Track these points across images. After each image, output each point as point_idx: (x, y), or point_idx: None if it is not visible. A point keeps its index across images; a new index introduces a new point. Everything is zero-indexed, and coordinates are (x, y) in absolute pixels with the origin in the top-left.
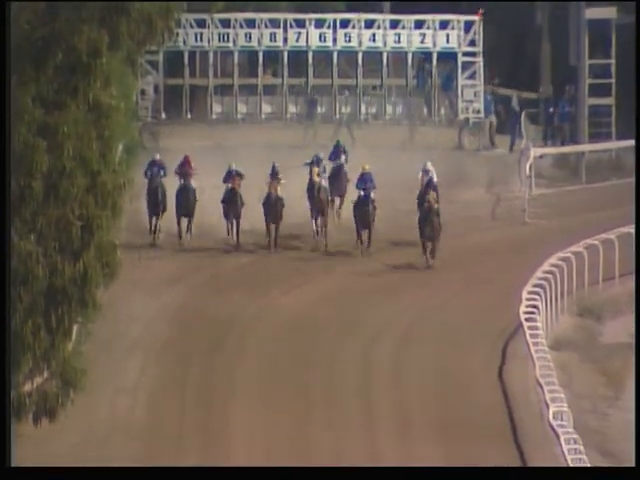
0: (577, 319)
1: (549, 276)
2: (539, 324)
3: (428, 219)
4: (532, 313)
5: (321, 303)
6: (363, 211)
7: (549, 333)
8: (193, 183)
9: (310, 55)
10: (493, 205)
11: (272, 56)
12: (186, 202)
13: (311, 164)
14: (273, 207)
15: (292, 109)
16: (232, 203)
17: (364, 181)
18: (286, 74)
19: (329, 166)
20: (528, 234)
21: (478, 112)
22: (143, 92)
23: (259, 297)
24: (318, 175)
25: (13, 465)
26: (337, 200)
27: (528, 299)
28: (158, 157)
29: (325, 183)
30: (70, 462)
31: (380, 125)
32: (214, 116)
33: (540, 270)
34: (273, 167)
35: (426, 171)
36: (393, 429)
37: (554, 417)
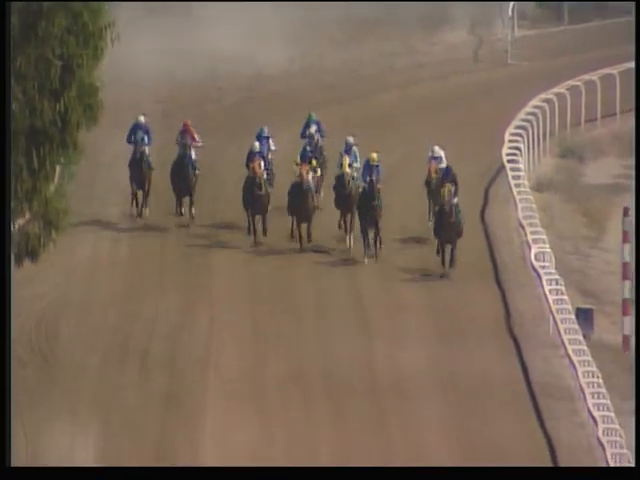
0: (559, 160)
1: (531, 118)
2: (521, 166)
3: (444, 217)
4: (514, 155)
5: None
6: (369, 207)
7: (531, 174)
8: (194, 154)
9: None
10: (475, 47)
11: None
12: (184, 179)
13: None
14: (302, 198)
15: None
16: (252, 194)
17: (370, 172)
18: None
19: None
20: (510, 76)
21: None
22: None
23: None
24: (350, 166)
25: (13, 465)
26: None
27: (510, 141)
28: (143, 119)
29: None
30: (51, 301)
31: None
32: None
33: (522, 112)
34: (304, 149)
35: (435, 158)
36: (371, 270)
37: (536, 258)
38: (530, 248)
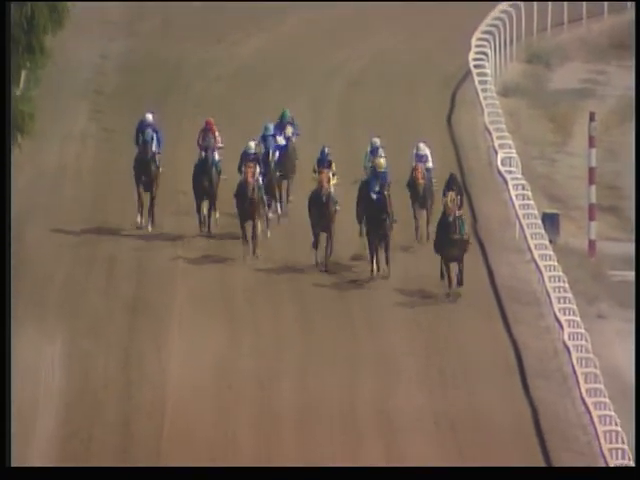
0: (526, 65)
1: (498, 23)
2: (488, 71)
3: (448, 232)
4: (481, 60)
5: None
6: (380, 222)
7: (498, 79)
8: (217, 156)
9: None
10: None
11: None
12: (207, 182)
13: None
14: (322, 208)
15: None
16: (245, 201)
17: (379, 181)
18: None
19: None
20: None
21: None
22: None
23: None
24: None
25: (13, 465)
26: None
27: (477, 46)
28: (150, 117)
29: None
30: (16, 207)
31: None
32: None
33: (489, 17)
34: (322, 151)
35: (419, 156)
36: (342, 180)
37: (502, 163)
38: (496, 153)
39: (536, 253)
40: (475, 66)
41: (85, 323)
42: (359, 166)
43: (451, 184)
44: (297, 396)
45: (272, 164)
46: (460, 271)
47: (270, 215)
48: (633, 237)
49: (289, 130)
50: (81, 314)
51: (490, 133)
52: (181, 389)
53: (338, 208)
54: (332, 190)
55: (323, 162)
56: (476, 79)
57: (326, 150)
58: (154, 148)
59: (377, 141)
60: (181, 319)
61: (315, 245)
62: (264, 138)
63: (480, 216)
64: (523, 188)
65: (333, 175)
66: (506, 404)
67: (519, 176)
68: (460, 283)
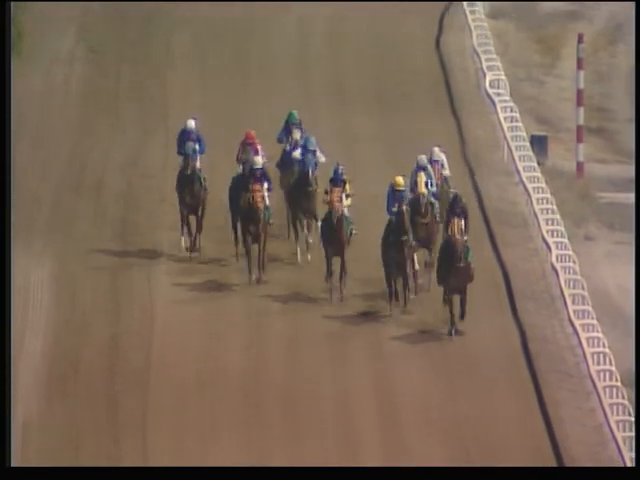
0: None
1: None
2: None
3: (452, 260)
4: None
5: None
6: (398, 249)
7: (486, 2)
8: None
9: None
10: None
11: None
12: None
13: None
14: (335, 230)
15: None
16: (251, 223)
17: (397, 201)
18: None
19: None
20: None
21: None
22: None
23: None
24: (426, 185)
25: (13, 465)
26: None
27: None
28: (193, 125)
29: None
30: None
31: None
32: None
33: None
34: (336, 171)
35: (433, 161)
36: (330, 100)
37: (491, 85)
38: (485, 75)
39: (524, 175)
40: None
41: (74, 246)
42: (349, 91)
43: (455, 206)
44: (286, 326)
45: (313, 182)
46: (462, 304)
47: (310, 240)
48: (630, 159)
49: (296, 134)
50: (70, 237)
51: (478, 55)
52: (169, 314)
53: (354, 232)
54: (346, 211)
55: (337, 182)
56: (465, 1)
57: (340, 169)
58: (198, 163)
59: (424, 159)
60: (170, 243)
61: (328, 272)
62: (304, 153)
63: (469, 138)
64: (511, 110)
65: (347, 196)
66: (494, 326)
67: (507, 98)
68: (462, 316)
